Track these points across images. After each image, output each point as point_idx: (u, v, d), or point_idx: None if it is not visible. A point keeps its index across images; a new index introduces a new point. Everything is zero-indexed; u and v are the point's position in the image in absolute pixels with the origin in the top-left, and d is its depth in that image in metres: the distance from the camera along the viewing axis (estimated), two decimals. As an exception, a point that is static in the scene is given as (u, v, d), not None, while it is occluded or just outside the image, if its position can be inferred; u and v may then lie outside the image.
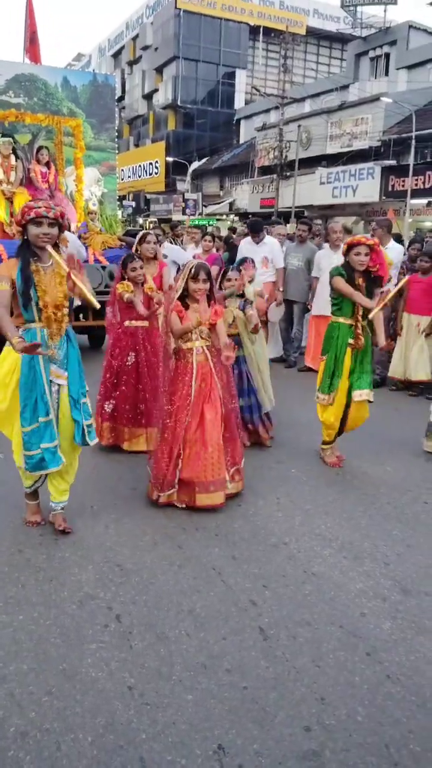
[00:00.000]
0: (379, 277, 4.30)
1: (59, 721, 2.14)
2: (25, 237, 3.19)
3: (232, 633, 2.63)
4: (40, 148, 8.43)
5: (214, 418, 3.71)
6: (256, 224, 7.65)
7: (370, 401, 4.43)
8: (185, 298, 3.74)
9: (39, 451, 3.22)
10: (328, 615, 2.77)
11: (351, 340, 4.33)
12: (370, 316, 4.28)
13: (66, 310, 3.25)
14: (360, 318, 4.31)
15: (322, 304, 6.59)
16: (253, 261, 5.25)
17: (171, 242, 8.54)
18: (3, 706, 2.20)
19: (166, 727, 2.13)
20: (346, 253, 4.30)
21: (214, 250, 8.21)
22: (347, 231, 7.27)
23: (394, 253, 6.74)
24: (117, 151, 9.97)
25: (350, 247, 4.26)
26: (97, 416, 4.67)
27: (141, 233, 5.30)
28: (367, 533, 3.55)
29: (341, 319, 4.38)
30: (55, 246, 3.19)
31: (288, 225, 24.98)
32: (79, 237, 8.13)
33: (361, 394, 4.36)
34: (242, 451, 4.06)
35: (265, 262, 7.35)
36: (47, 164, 8.45)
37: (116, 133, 10.00)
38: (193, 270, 3.64)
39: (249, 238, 7.72)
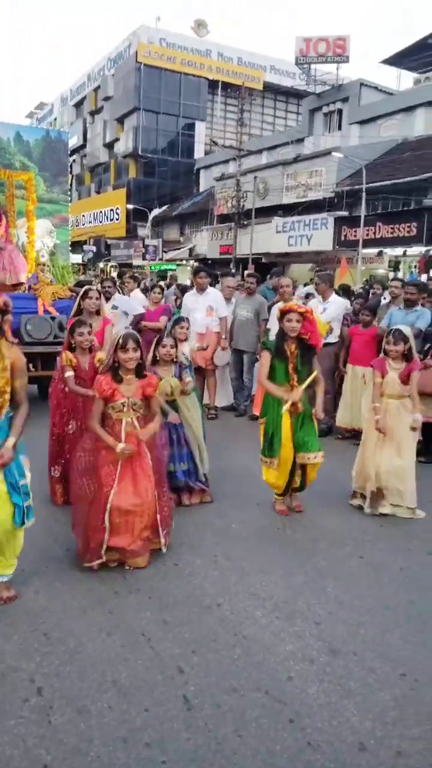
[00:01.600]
0: (312, 344, 4.39)
1: (-33, 808, 2.07)
2: None
3: (155, 704, 2.59)
4: (-9, 201, 8.51)
5: (145, 487, 3.69)
6: (200, 268, 7.97)
7: (319, 461, 4.52)
8: (117, 369, 3.70)
9: None
10: (255, 680, 2.76)
11: (285, 406, 4.36)
12: (292, 398, 4.32)
13: (7, 396, 3.22)
14: (295, 384, 4.38)
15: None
16: (187, 320, 5.45)
17: (120, 291, 8.61)
18: None
19: (78, 810, 2.07)
20: (279, 320, 4.39)
21: (163, 300, 8.31)
22: (320, 270, 7.45)
23: (335, 306, 6.96)
24: (69, 204, 10.11)
25: (283, 313, 4.36)
26: (48, 477, 4.82)
27: (83, 289, 5.34)
28: (301, 591, 3.56)
29: (286, 384, 4.43)
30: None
31: (245, 271, 25.59)
32: (29, 288, 8.17)
33: (313, 457, 4.45)
34: (170, 513, 4.06)
35: (210, 311, 7.53)
36: (-2, 216, 8.51)
37: (69, 186, 10.16)
38: (121, 340, 3.62)
39: (193, 290, 7.91)
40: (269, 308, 7.65)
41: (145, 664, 2.85)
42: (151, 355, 4.63)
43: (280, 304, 7.23)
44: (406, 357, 4.63)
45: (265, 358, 4.52)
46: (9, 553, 3.36)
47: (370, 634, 3.14)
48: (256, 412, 7.61)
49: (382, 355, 4.80)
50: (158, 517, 3.83)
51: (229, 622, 3.22)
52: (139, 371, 3.73)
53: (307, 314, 4.31)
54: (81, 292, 5.27)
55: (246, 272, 9.23)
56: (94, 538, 3.65)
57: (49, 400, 4.95)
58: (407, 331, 4.71)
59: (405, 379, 4.61)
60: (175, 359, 4.73)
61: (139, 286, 9.71)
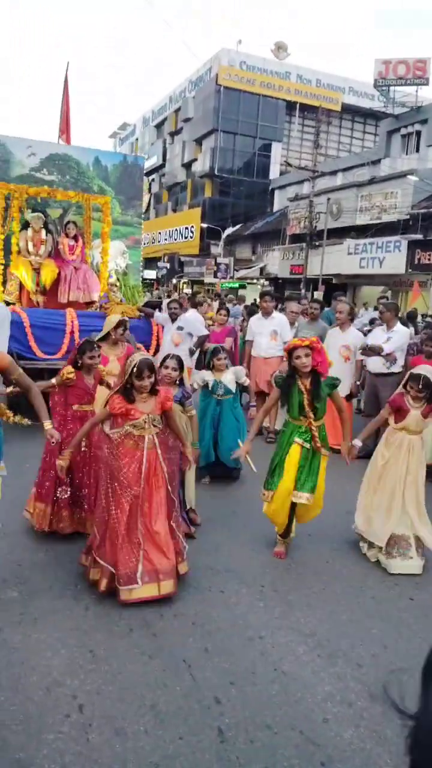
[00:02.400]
0: (321, 374, 4.27)
1: None
2: None
3: (190, 732, 2.64)
4: (68, 222, 8.88)
5: (161, 507, 3.76)
6: (266, 292, 8.01)
7: (306, 504, 4.33)
8: (130, 390, 3.73)
9: None
10: (291, 718, 2.76)
11: (298, 439, 4.28)
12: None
13: None
14: (312, 420, 4.25)
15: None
16: (223, 349, 5.58)
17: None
18: None
19: None
20: (288, 358, 4.28)
21: (229, 321, 8.43)
22: (382, 298, 7.42)
23: (399, 335, 6.87)
24: (142, 226, 10.42)
25: (290, 352, 4.24)
26: (47, 501, 4.49)
27: (117, 319, 5.52)
28: (346, 630, 3.53)
29: (291, 420, 4.36)
30: None
31: (316, 292, 25.43)
32: (101, 307, 8.47)
33: (300, 497, 4.27)
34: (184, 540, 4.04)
35: (274, 336, 7.59)
36: (75, 237, 8.88)
37: (142, 210, 10.48)
38: (136, 369, 3.65)
39: (259, 314, 7.98)
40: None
41: (183, 691, 2.90)
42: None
43: (336, 331, 7.26)
44: (428, 399, 4.37)
45: (274, 394, 4.50)
46: None
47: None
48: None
49: (400, 390, 4.51)
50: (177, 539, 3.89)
51: (270, 656, 3.23)
52: (152, 389, 3.79)
53: (314, 345, 4.20)
54: (114, 323, 5.45)
55: (311, 298, 9.25)
56: (131, 561, 3.68)
57: (52, 413, 4.63)
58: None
59: (426, 415, 4.45)
60: (177, 382, 4.71)
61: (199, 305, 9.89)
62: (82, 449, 4.52)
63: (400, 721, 0.57)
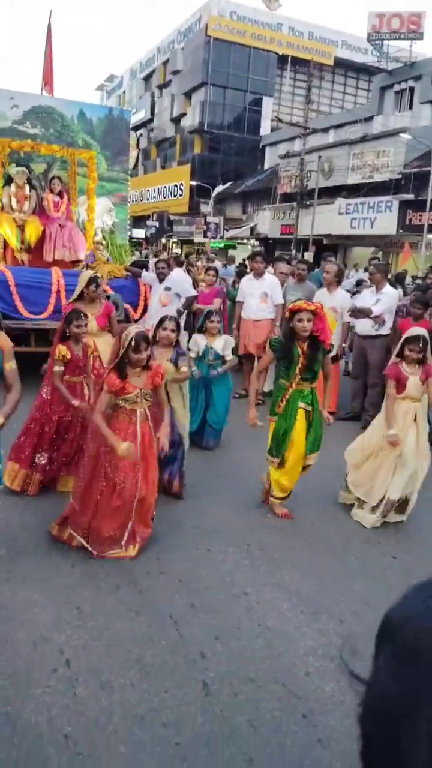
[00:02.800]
0: (322, 341, 4.25)
1: (-7, 768, 2.23)
2: None
3: (175, 686, 2.69)
4: (53, 178, 8.66)
5: (155, 480, 3.88)
6: (257, 253, 7.90)
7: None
8: (125, 365, 3.70)
9: None
10: (274, 672, 2.83)
11: (302, 403, 4.30)
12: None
13: None
14: (296, 384, 4.26)
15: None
16: (216, 313, 5.57)
17: (187, 271, 8.69)
18: None
19: (94, 781, 2.20)
20: (289, 319, 4.23)
21: (217, 283, 8.33)
22: (373, 259, 7.30)
23: (388, 296, 6.84)
24: (129, 182, 10.19)
25: (293, 313, 4.20)
26: (24, 466, 4.58)
27: (88, 275, 5.38)
28: (329, 587, 3.60)
29: (289, 384, 4.32)
30: None
31: (306, 253, 25.20)
32: (87, 266, 8.34)
33: (310, 458, 4.39)
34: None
35: (264, 298, 7.51)
36: (60, 193, 8.68)
37: (129, 165, 10.24)
38: (133, 342, 3.62)
39: (250, 275, 7.89)
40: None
41: (169, 646, 2.96)
42: (151, 335, 4.50)
43: (324, 292, 7.20)
44: (420, 360, 4.40)
45: (267, 357, 4.48)
46: None
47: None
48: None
49: (394, 360, 4.53)
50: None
51: (255, 612, 3.29)
52: (146, 363, 3.78)
53: (317, 311, 4.17)
54: (86, 279, 5.33)
55: (297, 259, 9.12)
56: (114, 527, 3.76)
57: (44, 382, 4.78)
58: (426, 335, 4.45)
59: (424, 380, 4.46)
60: (173, 343, 4.69)
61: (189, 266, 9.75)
62: (67, 418, 4.63)
63: (354, 688, 0.57)
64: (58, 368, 4.53)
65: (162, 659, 2.86)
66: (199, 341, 5.87)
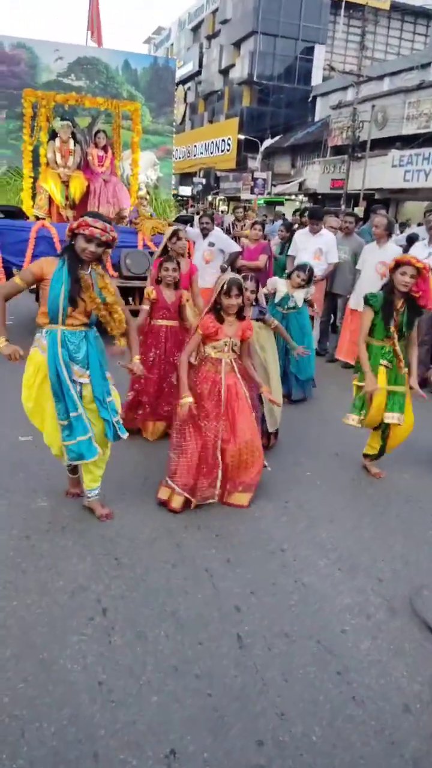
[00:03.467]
0: (420, 306, 4.07)
1: (28, 709, 2.28)
2: (72, 242, 3.28)
3: (209, 639, 2.70)
4: (98, 132, 8.54)
5: (245, 425, 3.85)
6: (317, 212, 7.61)
7: (398, 424, 4.25)
8: (220, 311, 3.74)
9: (75, 442, 3.40)
10: (308, 628, 2.80)
11: (383, 360, 4.17)
12: (370, 390, 4.13)
13: (93, 317, 3.38)
14: (395, 342, 4.12)
15: (360, 299, 6.46)
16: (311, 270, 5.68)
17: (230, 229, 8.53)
18: (-20, 689, 2.36)
19: (126, 726, 2.23)
20: (393, 270, 4.06)
21: (262, 239, 8.12)
22: (429, 212, 6.87)
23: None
24: (173, 135, 9.97)
25: (397, 264, 4.01)
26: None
27: (172, 230, 5.24)
28: (368, 546, 3.53)
29: (374, 341, 4.23)
30: (98, 261, 3.36)
31: (356, 208, 24.43)
32: (130, 222, 8.26)
33: (391, 417, 4.21)
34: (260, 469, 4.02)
35: (318, 255, 7.28)
36: (104, 148, 8.56)
37: (174, 117, 9.99)
38: (226, 286, 3.64)
39: (306, 229, 7.63)
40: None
41: (204, 599, 2.96)
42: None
43: (373, 246, 6.91)
44: None
45: (367, 314, 4.20)
46: (101, 465, 3.63)
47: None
48: (341, 357, 7.46)
49: None
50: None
51: (291, 568, 3.26)
52: (240, 314, 3.78)
53: (423, 271, 3.96)
54: (169, 234, 5.20)
55: (344, 211, 8.77)
56: (207, 476, 3.84)
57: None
58: None
59: None
60: (253, 303, 4.58)
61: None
62: (150, 361, 4.76)
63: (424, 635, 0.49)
64: (145, 307, 4.73)
65: (197, 612, 2.87)
66: (280, 287, 5.76)
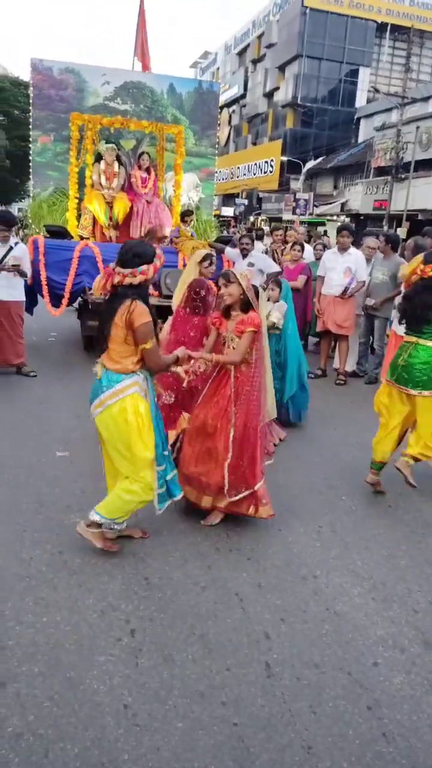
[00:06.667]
0: None
1: (53, 728, 2.27)
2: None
3: (237, 665, 2.65)
4: (141, 154, 8.71)
5: (222, 428, 3.74)
6: (348, 226, 7.62)
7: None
8: (228, 307, 3.78)
9: (164, 483, 3.45)
10: (340, 659, 2.73)
11: None
12: None
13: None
14: None
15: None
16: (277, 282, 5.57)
17: (266, 251, 8.57)
18: (7, 705, 2.36)
19: (150, 752, 2.20)
20: None
21: (303, 259, 8.12)
22: None
23: None
24: (216, 157, 10.08)
25: None
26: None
27: (203, 254, 5.22)
28: (404, 575, 3.44)
29: None
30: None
31: (398, 229, 24.20)
32: (171, 241, 8.36)
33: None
34: (260, 473, 3.85)
35: (348, 273, 7.27)
36: (148, 169, 8.72)
37: (217, 140, 10.11)
38: (222, 277, 3.76)
39: (334, 249, 7.64)
40: None
41: (233, 624, 2.92)
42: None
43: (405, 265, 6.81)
44: None
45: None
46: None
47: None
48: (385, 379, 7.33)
49: None
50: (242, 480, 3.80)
51: (323, 595, 3.19)
52: (244, 307, 3.74)
53: None
54: (200, 258, 5.17)
55: (382, 234, 8.71)
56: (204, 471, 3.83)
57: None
58: None
59: None
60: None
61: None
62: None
63: None
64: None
65: (225, 637, 2.83)
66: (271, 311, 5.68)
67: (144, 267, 3.16)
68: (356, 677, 2.62)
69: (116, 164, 8.56)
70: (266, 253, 9.11)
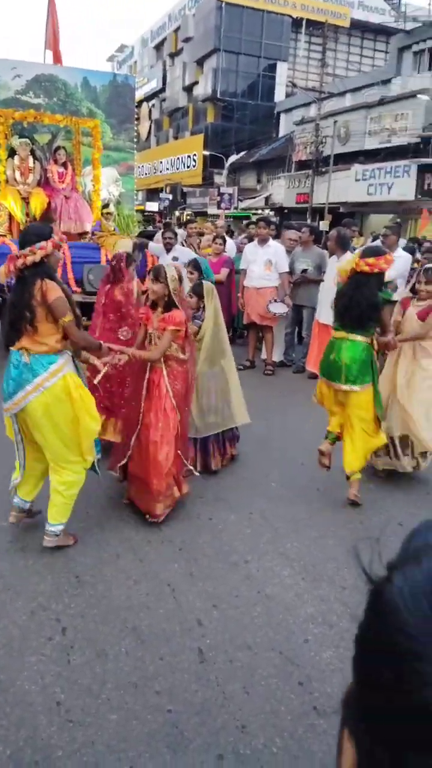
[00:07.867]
0: None
1: (-17, 734, 2.22)
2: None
3: (170, 654, 2.67)
4: (57, 148, 8.52)
5: (163, 426, 3.73)
6: (266, 218, 7.73)
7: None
8: (155, 301, 3.78)
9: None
10: (271, 640, 2.78)
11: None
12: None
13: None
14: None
15: (327, 312, 6.51)
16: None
17: (182, 244, 8.57)
18: None
19: (84, 746, 2.18)
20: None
21: (224, 252, 8.18)
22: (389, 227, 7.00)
23: (401, 261, 6.64)
24: (135, 151, 9.99)
25: None
26: None
27: (121, 256, 5.18)
28: (332, 555, 3.54)
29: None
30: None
31: (321, 222, 24.76)
32: (92, 235, 8.25)
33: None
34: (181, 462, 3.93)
35: (268, 266, 7.37)
36: (64, 164, 8.54)
37: (135, 133, 10.03)
38: (152, 272, 3.74)
39: (254, 242, 7.75)
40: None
41: (166, 614, 2.93)
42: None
43: (334, 258, 7.00)
44: None
45: (390, 311, 4.29)
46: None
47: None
48: (312, 368, 7.50)
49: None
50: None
51: (254, 580, 3.25)
52: (167, 306, 3.74)
53: None
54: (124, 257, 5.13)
55: (302, 224, 8.89)
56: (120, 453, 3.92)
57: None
58: None
59: (423, 318, 4.39)
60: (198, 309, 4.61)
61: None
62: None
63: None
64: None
65: (158, 627, 2.83)
66: None
67: (42, 243, 3.22)
68: (287, 655, 2.68)
69: (31, 159, 8.34)
70: (182, 245, 9.12)
